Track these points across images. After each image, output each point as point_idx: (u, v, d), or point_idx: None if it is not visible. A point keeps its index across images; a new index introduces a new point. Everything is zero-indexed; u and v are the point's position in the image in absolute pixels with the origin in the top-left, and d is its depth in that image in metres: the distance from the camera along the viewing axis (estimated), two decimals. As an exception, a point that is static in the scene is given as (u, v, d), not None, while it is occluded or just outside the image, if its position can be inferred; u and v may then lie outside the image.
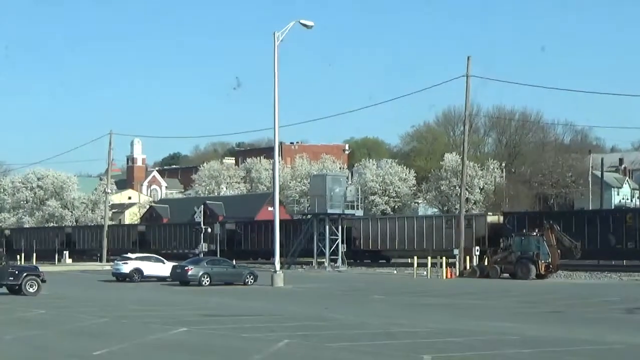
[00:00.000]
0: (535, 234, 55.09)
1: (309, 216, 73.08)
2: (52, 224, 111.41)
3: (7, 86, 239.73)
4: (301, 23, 49.18)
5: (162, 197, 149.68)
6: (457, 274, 57.82)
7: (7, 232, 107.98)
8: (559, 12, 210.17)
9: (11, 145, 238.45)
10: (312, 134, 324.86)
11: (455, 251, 59.70)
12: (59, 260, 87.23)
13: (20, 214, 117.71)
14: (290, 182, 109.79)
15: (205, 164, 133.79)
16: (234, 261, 56.16)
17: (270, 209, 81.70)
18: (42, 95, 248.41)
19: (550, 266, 54.62)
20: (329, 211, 68.86)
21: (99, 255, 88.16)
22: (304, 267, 71.37)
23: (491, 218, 69.19)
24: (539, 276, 53.57)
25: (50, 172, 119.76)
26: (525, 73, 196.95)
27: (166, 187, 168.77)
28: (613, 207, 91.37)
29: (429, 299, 38.83)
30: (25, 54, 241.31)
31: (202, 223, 72.74)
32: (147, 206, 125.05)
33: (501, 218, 68.05)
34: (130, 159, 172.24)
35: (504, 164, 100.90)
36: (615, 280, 53.61)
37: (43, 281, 39.36)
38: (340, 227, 69.83)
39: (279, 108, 49.72)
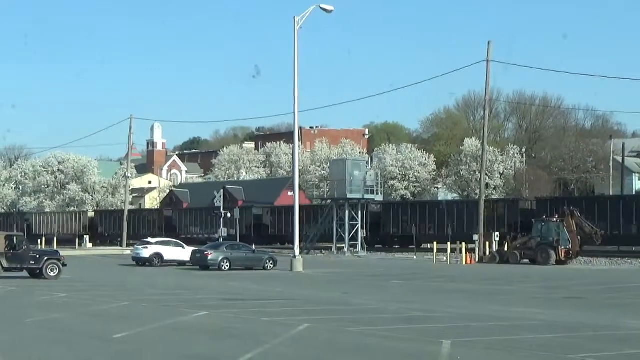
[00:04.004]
0: (555, 219, 54.94)
1: (328, 201, 73.10)
2: (72, 208, 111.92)
3: (28, 71, 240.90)
4: (321, 7, 49.05)
5: (182, 182, 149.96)
6: (477, 259, 57.76)
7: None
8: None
9: (32, 129, 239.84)
10: (332, 118, 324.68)
11: (475, 237, 59.63)
12: (80, 245, 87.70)
13: (41, 198, 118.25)
14: (310, 167, 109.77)
15: (225, 148, 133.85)
16: (253, 246, 56.29)
17: (289, 193, 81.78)
18: (62, 80, 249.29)
19: (571, 252, 54.49)
20: (349, 196, 68.84)
21: (119, 239, 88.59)
22: (324, 252, 71.44)
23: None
24: (559, 262, 53.47)
25: (70, 156, 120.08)
26: (546, 58, 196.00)
27: (186, 171, 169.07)
28: (634, 193, 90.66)
29: (448, 284, 38.79)
30: (45, 40, 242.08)
31: (222, 208, 72.77)
32: (167, 190, 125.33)
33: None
34: (151, 144, 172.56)
35: (524, 149, 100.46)
36: (636, 267, 53.36)
37: (64, 265, 39.67)
38: (360, 212, 69.78)
39: (299, 93, 49.73)
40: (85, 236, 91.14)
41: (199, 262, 49.18)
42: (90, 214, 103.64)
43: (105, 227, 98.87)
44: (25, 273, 39.34)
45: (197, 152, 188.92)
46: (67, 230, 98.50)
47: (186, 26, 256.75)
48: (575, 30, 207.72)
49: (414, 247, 66.58)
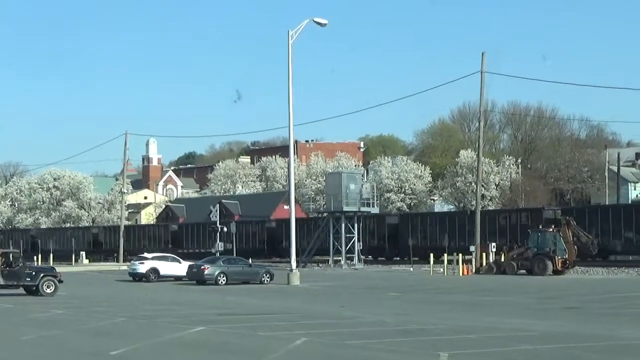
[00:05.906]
0: (551, 229, 54.94)
1: (324, 214, 73.04)
2: (68, 225, 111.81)
3: (22, 87, 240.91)
4: (315, 21, 49.16)
5: (178, 197, 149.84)
6: (474, 270, 57.71)
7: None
8: (575, 6, 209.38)
9: (27, 146, 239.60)
10: (327, 131, 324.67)
11: (472, 248, 59.58)
12: (76, 261, 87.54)
13: (37, 215, 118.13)
14: (305, 180, 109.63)
15: (220, 163, 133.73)
16: (250, 260, 56.19)
17: (285, 207, 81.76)
18: (57, 96, 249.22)
19: (567, 262, 54.47)
20: (345, 209, 68.77)
21: (115, 255, 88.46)
22: (320, 265, 71.35)
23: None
24: (556, 272, 53.44)
25: (66, 173, 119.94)
26: (541, 68, 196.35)
27: (182, 186, 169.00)
28: (630, 202, 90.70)
29: (445, 296, 38.77)
30: (39, 56, 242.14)
31: (218, 222, 72.73)
32: (163, 206, 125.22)
33: None
34: (146, 159, 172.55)
35: (519, 160, 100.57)
36: (633, 276, 53.38)
37: (60, 281, 39.53)
38: (356, 225, 69.72)
39: (294, 106, 49.77)
40: (81, 252, 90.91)
41: (196, 277, 49.11)
42: None
43: None
44: (21, 290, 39.23)
45: (192, 167, 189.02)
46: None
47: (180, 41, 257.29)
48: (569, 40, 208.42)
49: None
